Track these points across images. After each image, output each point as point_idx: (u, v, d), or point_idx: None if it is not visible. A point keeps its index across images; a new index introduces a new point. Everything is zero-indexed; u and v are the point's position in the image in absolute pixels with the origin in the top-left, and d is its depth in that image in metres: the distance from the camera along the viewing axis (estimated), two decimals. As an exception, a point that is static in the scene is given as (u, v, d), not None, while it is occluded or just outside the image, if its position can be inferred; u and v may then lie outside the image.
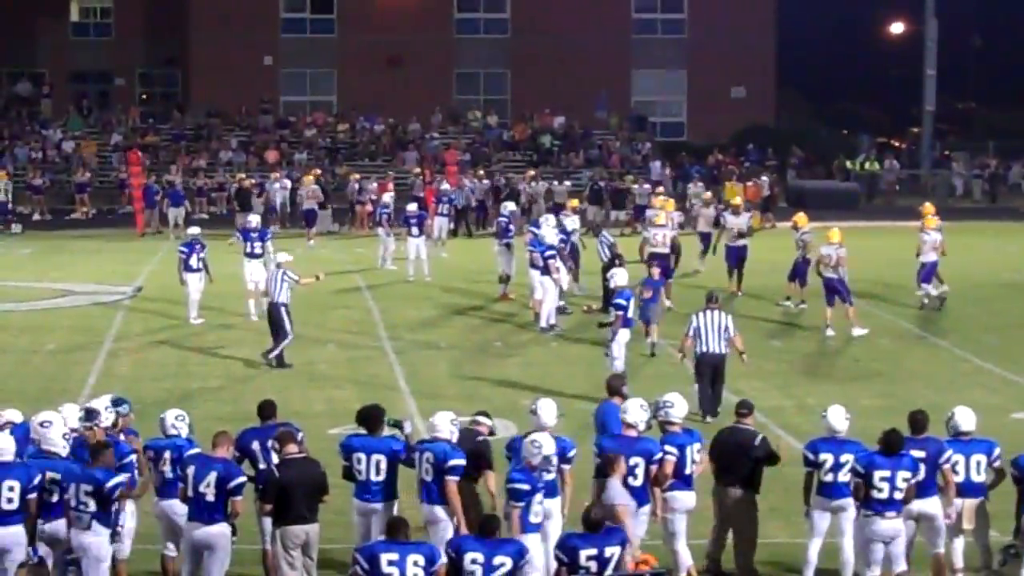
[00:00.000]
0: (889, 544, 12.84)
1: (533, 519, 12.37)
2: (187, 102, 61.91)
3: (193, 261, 27.05)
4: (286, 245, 35.25)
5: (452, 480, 12.86)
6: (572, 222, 30.13)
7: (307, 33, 63.37)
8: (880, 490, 12.72)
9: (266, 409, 13.86)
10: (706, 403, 19.80)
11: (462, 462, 12.93)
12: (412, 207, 33.96)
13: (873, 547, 12.84)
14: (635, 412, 13.46)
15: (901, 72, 73.31)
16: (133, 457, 13.09)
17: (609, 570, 11.03)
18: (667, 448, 13.38)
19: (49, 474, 12.45)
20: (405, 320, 28.05)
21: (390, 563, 10.67)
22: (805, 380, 22.73)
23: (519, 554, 10.96)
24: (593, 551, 11.01)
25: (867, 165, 60.86)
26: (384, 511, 12.93)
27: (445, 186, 42.05)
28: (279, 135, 58.48)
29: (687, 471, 13.47)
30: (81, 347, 25.28)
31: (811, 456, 13.33)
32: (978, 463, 13.31)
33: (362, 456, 13.05)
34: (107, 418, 13.31)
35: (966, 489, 13.25)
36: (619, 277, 22.45)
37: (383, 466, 13.03)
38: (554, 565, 11.20)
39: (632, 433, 13.39)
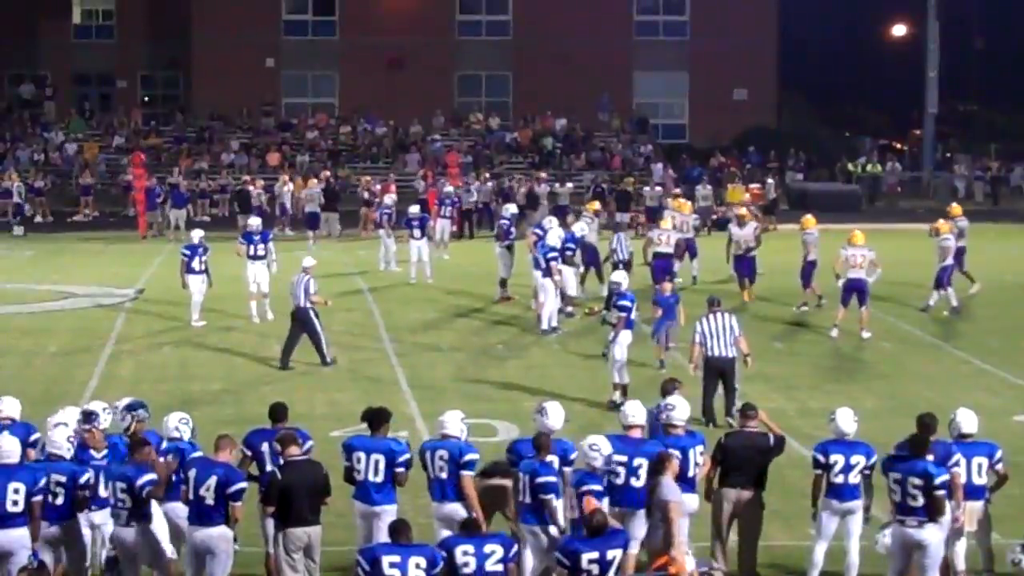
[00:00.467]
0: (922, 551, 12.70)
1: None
2: (189, 104, 61.97)
3: (196, 264, 27.06)
4: (290, 248, 35.37)
5: (468, 475, 12.92)
6: (582, 227, 29.19)
7: (309, 35, 63.40)
8: (894, 492, 12.66)
9: (278, 412, 13.86)
10: (710, 410, 19.54)
11: (476, 456, 13.00)
12: (414, 209, 33.90)
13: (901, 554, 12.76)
14: (637, 413, 13.48)
15: (903, 74, 73.23)
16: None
17: (611, 573, 11.04)
18: (670, 451, 13.33)
19: (54, 477, 12.48)
20: (407, 322, 28.05)
21: (392, 565, 10.70)
22: (808, 382, 22.66)
23: (508, 544, 11.12)
24: (595, 554, 11.02)
25: (869, 167, 60.88)
26: (384, 513, 12.91)
27: (448, 188, 42.07)
28: (281, 137, 58.52)
29: (690, 473, 13.45)
30: (83, 349, 25.27)
31: (821, 458, 13.30)
32: (980, 465, 13.30)
33: (361, 455, 13.07)
34: (105, 420, 13.34)
35: (968, 491, 13.22)
36: (616, 278, 22.35)
37: (381, 466, 13.03)
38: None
39: (636, 434, 13.40)
